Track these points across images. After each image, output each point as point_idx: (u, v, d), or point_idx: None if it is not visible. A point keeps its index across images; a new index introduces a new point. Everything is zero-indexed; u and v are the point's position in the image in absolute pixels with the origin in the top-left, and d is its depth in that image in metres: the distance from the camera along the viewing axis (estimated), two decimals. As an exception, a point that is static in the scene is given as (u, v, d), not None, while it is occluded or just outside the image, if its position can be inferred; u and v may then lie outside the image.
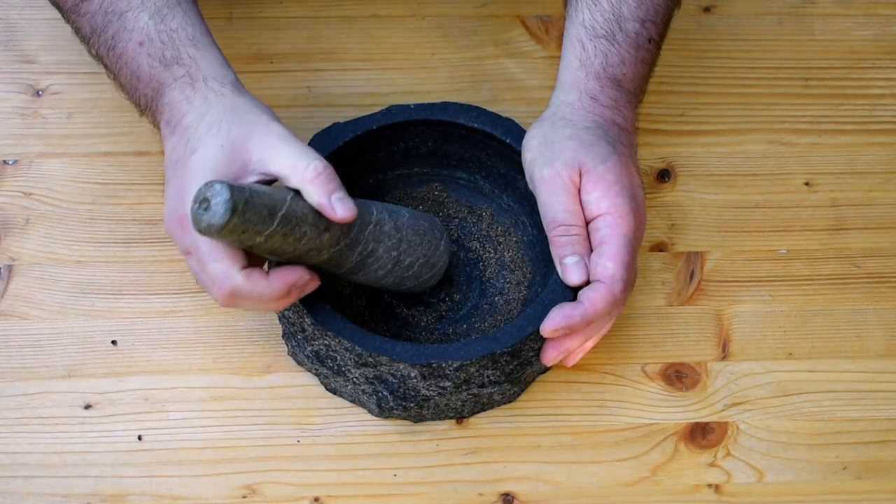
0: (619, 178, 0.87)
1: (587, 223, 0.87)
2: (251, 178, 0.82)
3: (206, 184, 0.76)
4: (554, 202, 0.87)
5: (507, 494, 0.90)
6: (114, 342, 0.94)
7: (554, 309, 0.86)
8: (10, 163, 1.01)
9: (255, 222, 0.77)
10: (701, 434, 0.93)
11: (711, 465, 0.92)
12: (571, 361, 0.90)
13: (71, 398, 0.92)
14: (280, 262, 0.84)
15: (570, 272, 0.86)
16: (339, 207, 0.80)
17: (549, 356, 0.88)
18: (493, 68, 1.07)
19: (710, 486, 0.91)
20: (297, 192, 0.81)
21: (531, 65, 1.07)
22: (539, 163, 0.88)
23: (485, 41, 1.08)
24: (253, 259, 0.82)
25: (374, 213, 0.87)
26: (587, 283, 0.87)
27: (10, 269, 0.96)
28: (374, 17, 1.09)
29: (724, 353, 0.96)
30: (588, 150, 0.87)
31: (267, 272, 0.82)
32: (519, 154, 0.93)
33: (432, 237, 0.91)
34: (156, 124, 0.88)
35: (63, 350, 0.93)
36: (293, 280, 0.83)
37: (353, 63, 1.07)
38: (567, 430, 0.93)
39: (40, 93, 1.04)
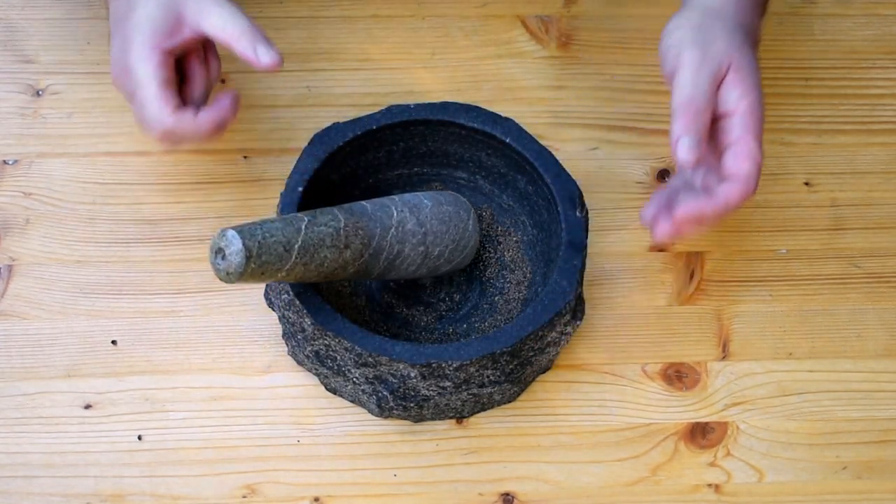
0: (756, 81, 0.88)
1: (720, 118, 0.87)
2: (186, 34, 0.90)
3: (219, 233, 0.78)
4: (699, 81, 0.86)
5: (507, 494, 0.90)
6: (114, 342, 0.94)
7: (684, 199, 0.86)
8: (10, 163, 1.01)
9: (273, 262, 0.79)
10: (701, 434, 0.93)
11: (711, 464, 0.92)
12: (678, 237, 0.90)
13: (71, 398, 0.92)
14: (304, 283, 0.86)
15: (685, 149, 0.85)
16: (264, 56, 0.89)
17: (662, 231, 0.88)
18: (493, 68, 1.07)
19: (710, 486, 0.91)
20: (311, 219, 0.82)
21: (531, 65, 1.07)
22: (688, 43, 0.88)
23: (485, 41, 1.08)
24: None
25: (395, 213, 0.88)
26: (692, 166, 0.86)
27: (10, 269, 0.96)
28: (374, 17, 1.09)
29: (724, 353, 0.96)
30: (739, 49, 0.87)
31: (197, 112, 0.90)
32: (518, 154, 0.93)
33: (458, 220, 0.92)
34: None
35: (63, 350, 0.93)
36: (220, 118, 0.91)
37: (353, 63, 1.07)
38: (567, 430, 0.93)
39: (40, 93, 1.04)
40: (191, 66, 0.93)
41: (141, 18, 0.89)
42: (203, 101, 0.94)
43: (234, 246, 0.78)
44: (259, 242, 0.78)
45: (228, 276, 0.78)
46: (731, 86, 0.87)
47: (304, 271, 0.81)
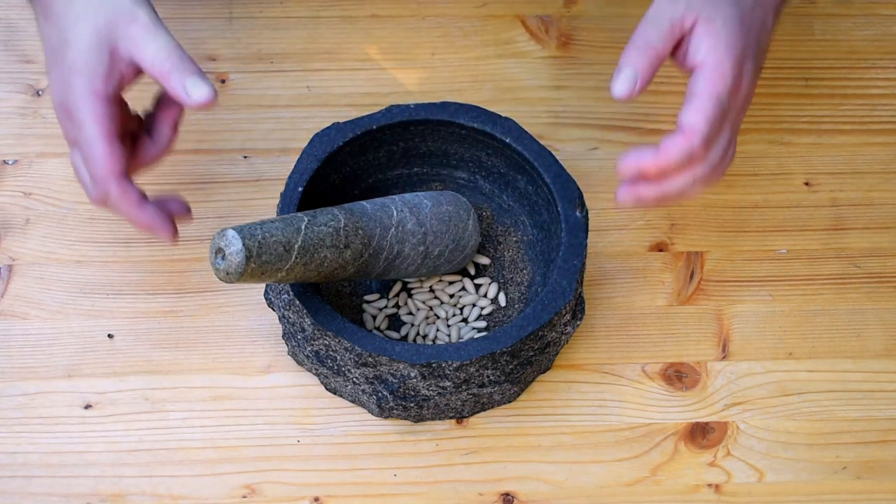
0: (732, 40, 0.84)
1: (689, 72, 0.85)
2: (123, 69, 0.84)
3: (219, 233, 0.78)
4: (656, 21, 0.84)
5: (507, 494, 0.90)
6: (110, 336, 0.94)
7: (630, 150, 0.84)
8: (10, 163, 1.01)
9: (273, 262, 0.79)
10: (701, 434, 0.93)
11: (711, 464, 0.92)
12: (643, 204, 0.87)
13: (71, 398, 0.92)
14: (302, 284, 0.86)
15: (621, 80, 0.83)
16: (195, 93, 0.83)
17: (622, 195, 0.85)
18: (493, 68, 1.07)
19: (710, 485, 0.91)
20: (311, 218, 0.82)
21: (531, 65, 1.07)
22: None
23: (485, 41, 1.08)
24: (134, 159, 0.88)
25: (395, 213, 0.88)
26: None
27: (10, 269, 0.96)
28: (374, 17, 1.09)
29: (724, 353, 0.96)
30: (715, 4, 0.84)
31: (142, 197, 0.86)
32: (518, 154, 0.93)
33: (458, 220, 0.92)
34: (34, 10, 0.89)
35: (63, 350, 0.93)
36: (161, 219, 0.86)
37: (353, 63, 1.07)
38: (567, 430, 0.93)
39: (40, 93, 1.04)
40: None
41: (77, 61, 0.83)
42: (166, 140, 0.89)
43: (235, 246, 0.78)
44: (259, 242, 0.78)
45: (228, 276, 0.78)
46: (701, 37, 0.84)
47: (303, 271, 0.81)
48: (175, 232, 0.88)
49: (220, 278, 0.79)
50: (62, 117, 0.85)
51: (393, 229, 0.87)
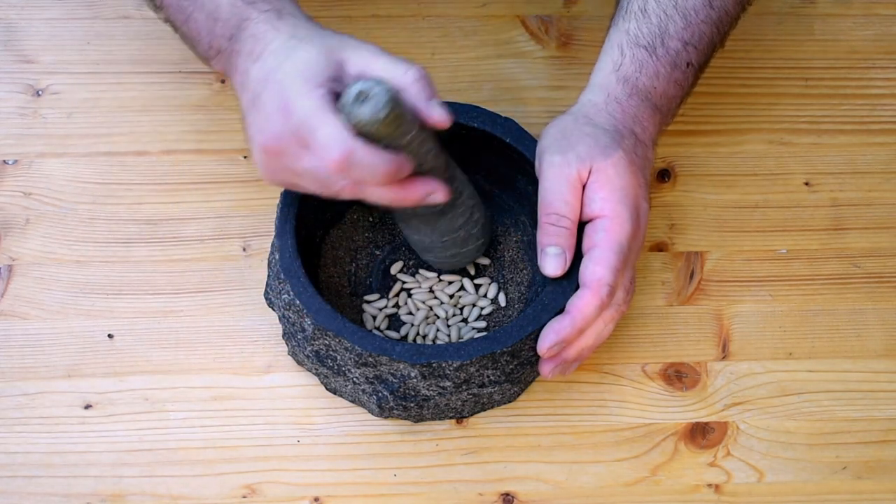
0: (625, 185, 0.87)
1: (586, 222, 0.87)
2: (348, 79, 0.81)
3: (357, 81, 0.77)
4: (556, 190, 0.87)
5: (507, 494, 0.90)
6: (110, 336, 0.94)
7: (546, 327, 0.86)
8: (10, 163, 1.01)
9: (407, 121, 0.79)
10: (701, 434, 0.93)
11: (711, 465, 0.92)
12: (568, 372, 0.90)
13: (71, 398, 0.92)
14: None
15: (549, 262, 0.86)
16: (437, 111, 0.81)
17: (547, 369, 0.88)
18: (493, 68, 1.07)
19: (710, 486, 0.91)
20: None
21: (531, 65, 1.07)
22: (551, 150, 0.88)
23: (485, 41, 1.08)
24: None
25: (458, 169, 0.89)
26: (564, 280, 0.87)
27: (10, 269, 0.96)
28: (373, 17, 1.09)
29: (724, 353, 0.96)
30: (602, 151, 0.87)
31: None
32: (518, 154, 0.93)
33: (483, 213, 0.93)
34: (230, 67, 0.86)
35: (63, 350, 0.93)
36: (403, 163, 0.81)
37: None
38: (567, 430, 0.93)
39: (40, 93, 1.04)
40: None
41: (300, 62, 0.80)
42: None
43: (380, 87, 0.76)
44: (399, 96, 0.78)
45: (372, 119, 0.76)
46: (596, 189, 0.87)
47: (416, 152, 0.81)
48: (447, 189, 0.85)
49: (357, 125, 0.76)
50: (276, 125, 0.80)
51: (459, 172, 0.89)
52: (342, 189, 0.81)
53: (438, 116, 0.81)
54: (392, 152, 0.79)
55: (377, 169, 0.79)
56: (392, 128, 0.78)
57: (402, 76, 0.80)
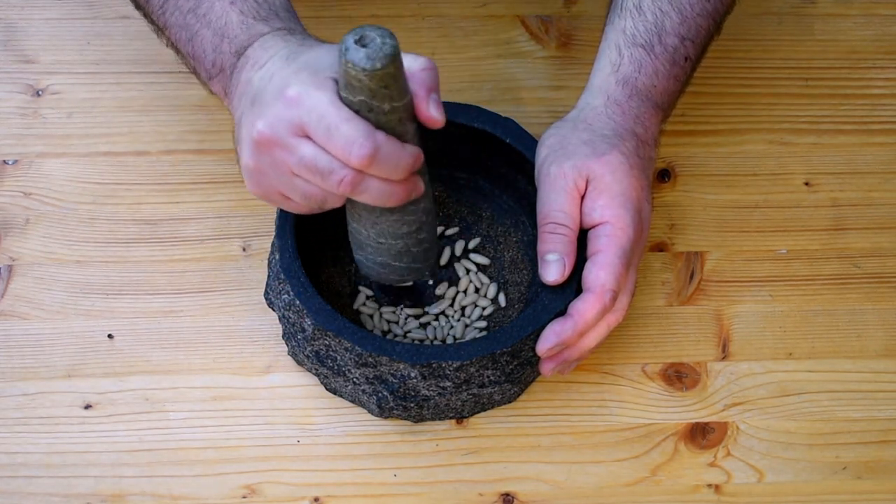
0: (625, 189, 0.87)
1: (588, 229, 0.87)
2: None
3: (359, 28, 0.71)
4: (552, 200, 0.87)
5: (507, 494, 0.90)
6: (110, 336, 0.94)
7: (546, 328, 0.86)
8: (10, 163, 1.01)
9: (400, 86, 0.74)
10: (701, 434, 0.93)
11: (711, 465, 0.92)
12: (567, 371, 0.91)
13: (71, 398, 0.92)
14: None
15: (548, 269, 0.86)
16: (434, 107, 0.77)
17: (547, 368, 0.88)
18: (493, 68, 1.07)
19: (710, 486, 0.91)
20: None
21: (531, 65, 1.07)
22: (549, 160, 0.88)
23: (485, 41, 1.08)
24: None
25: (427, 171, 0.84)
26: (563, 283, 0.87)
27: (10, 269, 0.96)
28: (373, 18, 1.09)
29: (724, 353, 0.96)
30: (599, 158, 0.87)
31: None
32: (518, 154, 0.93)
33: (435, 242, 0.89)
34: (231, 83, 0.83)
35: (63, 350, 0.93)
36: (420, 155, 0.78)
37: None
38: (567, 430, 0.93)
39: (40, 93, 1.04)
40: None
41: (307, 60, 0.77)
42: None
43: (385, 34, 0.71)
44: (399, 52, 0.72)
45: (372, 66, 0.71)
46: (594, 197, 0.87)
47: (396, 125, 0.76)
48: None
49: (352, 70, 0.71)
50: (281, 113, 0.76)
51: (430, 198, 0.84)
52: (341, 182, 0.76)
53: (435, 113, 0.77)
54: (370, 123, 0.74)
55: (400, 162, 0.76)
56: (384, 83, 0.72)
57: (411, 62, 0.77)
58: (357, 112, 0.75)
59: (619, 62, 0.91)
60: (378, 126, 0.75)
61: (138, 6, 0.90)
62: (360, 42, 0.72)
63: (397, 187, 0.78)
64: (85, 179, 1.00)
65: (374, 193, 0.78)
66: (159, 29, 0.89)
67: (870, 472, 0.92)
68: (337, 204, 0.80)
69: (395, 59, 0.72)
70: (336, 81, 0.75)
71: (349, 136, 0.74)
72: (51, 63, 1.05)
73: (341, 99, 0.75)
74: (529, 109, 1.05)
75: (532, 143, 0.93)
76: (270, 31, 0.83)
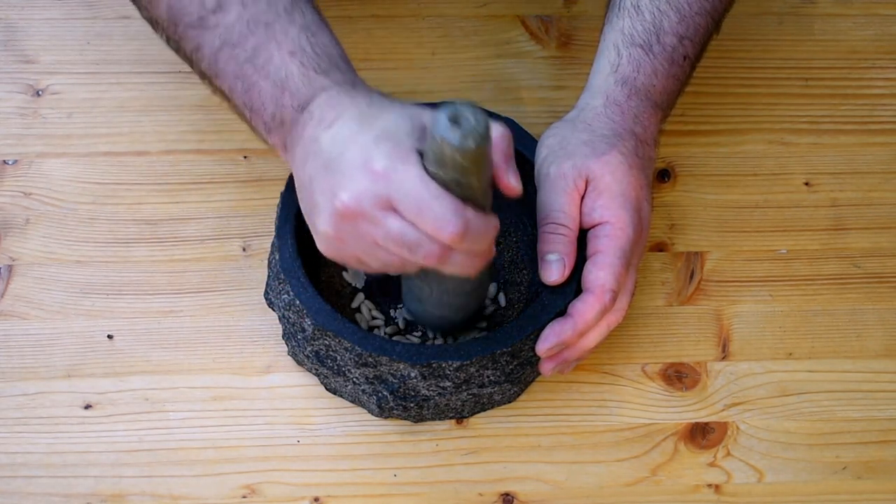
0: (624, 189, 0.87)
1: (588, 229, 0.87)
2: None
3: (450, 104, 0.72)
4: (552, 200, 0.87)
5: (507, 494, 0.90)
6: (109, 336, 0.94)
7: (546, 328, 0.86)
8: (10, 163, 1.01)
9: (488, 162, 0.75)
10: (701, 434, 0.93)
11: (711, 465, 0.92)
12: (567, 371, 0.91)
13: (71, 398, 0.92)
14: None
15: (549, 268, 0.86)
16: (514, 178, 0.78)
17: (547, 368, 0.89)
18: (493, 68, 1.07)
19: (710, 486, 0.91)
20: None
21: (531, 65, 1.07)
22: (549, 160, 0.88)
23: (485, 41, 1.08)
24: None
25: None
26: (563, 283, 0.87)
27: (10, 269, 0.96)
28: (373, 17, 1.09)
29: (724, 353, 0.96)
30: (599, 159, 0.87)
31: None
32: (518, 154, 0.92)
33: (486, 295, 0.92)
34: (293, 138, 0.82)
35: (63, 350, 0.93)
36: (498, 225, 0.79)
37: (354, 63, 1.06)
38: (567, 430, 0.93)
39: (40, 93, 1.04)
40: None
41: (386, 127, 0.76)
42: None
43: (478, 113, 0.71)
44: (489, 128, 0.73)
45: (464, 143, 0.71)
46: (594, 197, 0.87)
47: (481, 202, 0.77)
48: None
49: (446, 148, 0.72)
50: (367, 188, 0.75)
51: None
52: (427, 256, 0.76)
53: (514, 183, 0.78)
54: (457, 198, 0.75)
55: (487, 235, 0.77)
56: (477, 161, 0.73)
57: (498, 145, 0.78)
58: (445, 185, 0.75)
59: (618, 62, 0.91)
60: (464, 198, 0.76)
61: (183, 55, 0.86)
62: (454, 119, 0.72)
63: (480, 259, 0.79)
64: (85, 179, 1.00)
65: (458, 265, 0.78)
66: (206, 76, 0.85)
67: (870, 472, 0.92)
68: (413, 270, 0.81)
69: (487, 138, 0.73)
70: (419, 153, 0.75)
71: (440, 214, 0.74)
72: (51, 63, 1.05)
73: (429, 173, 0.75)
74: (529, 109, 1.05)
75: (532, 143, 0.93)
76: (333, 85, 0.81)
